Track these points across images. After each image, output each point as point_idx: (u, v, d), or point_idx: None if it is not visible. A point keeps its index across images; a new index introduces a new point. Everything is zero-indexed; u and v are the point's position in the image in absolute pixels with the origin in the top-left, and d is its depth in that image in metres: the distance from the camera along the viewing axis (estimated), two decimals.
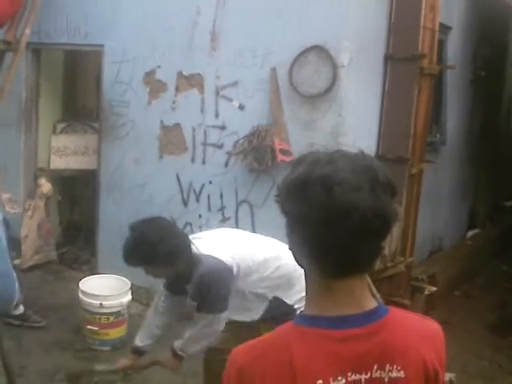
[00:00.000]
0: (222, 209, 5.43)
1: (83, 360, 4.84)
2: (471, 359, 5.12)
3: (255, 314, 3.44)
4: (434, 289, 5.41)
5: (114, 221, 6.03)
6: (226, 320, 3.37)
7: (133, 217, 5.76)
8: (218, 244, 3.40)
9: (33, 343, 5.01)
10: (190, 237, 3.44)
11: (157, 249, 3.17)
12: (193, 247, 3.34)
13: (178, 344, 3.49)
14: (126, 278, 5.23)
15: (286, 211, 1.46)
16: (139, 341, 3.74)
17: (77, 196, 6.60)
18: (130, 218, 5.79)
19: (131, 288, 5.20)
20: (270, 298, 3.40)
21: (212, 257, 3.28)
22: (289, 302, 3.36)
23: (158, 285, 5.59)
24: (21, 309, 5.34)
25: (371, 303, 1.50)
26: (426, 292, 5.34)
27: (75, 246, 6.82)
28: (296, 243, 1.48)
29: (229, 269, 3.28)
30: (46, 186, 6.28)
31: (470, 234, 7.97)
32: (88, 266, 6.44)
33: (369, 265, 1.48)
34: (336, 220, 1.36)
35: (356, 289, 1.47)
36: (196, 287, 3.34)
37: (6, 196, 5.26)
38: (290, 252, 1.54)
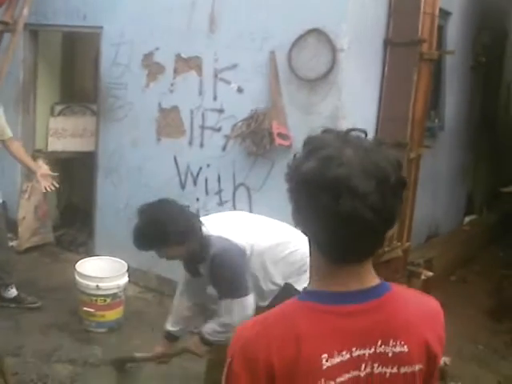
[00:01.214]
0: (219, 192, 5.43)
1: (79, 341, 4.87)
2: (466, 343, 5.14)
3: (264, 300, 3.39)
4: (431, 274, 5.42)
5: (112, 203, 6.04)
6: (253, 306, 3.28)
7: (130, 199, 5.82)
8: (229, 226, 3.37)
9: (29, 324, 5.03)
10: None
11: (167, 229, 3.16)
12: (203, 228, 3.31)
13: (205, 329, 3.45)
14: (122, 260, 5.25)
15: (292, 196, 1.47)
16: (170, 326, 3.72)
17: (74, 178, 6.59)
18: (128, 200, 5.85)
19: (128, 270, 5.20)
20: (281, 285, 3.36)
21: (223, 238, 3.25)
22: (300, 289, 3.24)
23: (155, 267, 5.66)
24: (13, 292, 5.35)
25: (374, 280, 1.52)
26: (423, 277, 5.35)
27: (72, 228, 6.83)
28: (300, 225, 1.49)
29: (241, 250, 3.25)
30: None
31: (467, 219, 7.99)
32: (85, 248, 6.45)
33: (371, 254, 1.50)
34: (340, 225, 1.38)
35: (359, 269, 1.49)
36: (210, 271, 3.31)
37: (43, 171, 5.19)
38: (301, 238, 1.55)
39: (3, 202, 5.32)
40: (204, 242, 3.28)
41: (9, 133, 5.26)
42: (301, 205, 1.45)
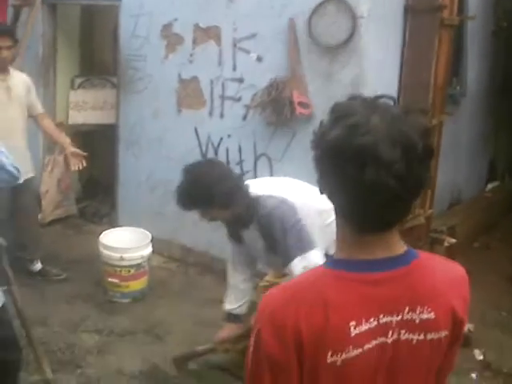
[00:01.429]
0: (240, 162, 5.43)
1: (105, 312, 4.94)
2: (489, 310, 5.13)
3: None
4: (454, 241, 5.41)
5: (134, 174, 6.07)
6: (320, 260, 3.05)
7: (151, 170, 5.85)
8: (276, 188, 3.31)
9: (55, 295, 5.10)
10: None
11: (212, 190, 3.13)
12: (250, 190, 3.27)
13: None
14: (146, 230, 5.29)
15: (317, 164, 1.47)
16: (229, 305, 3.72)
17: (96, 151, 6.61)
18: (149, 171, 5.88)
19: (152, 240, 5.23)
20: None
21: (273, 196, 3.21)
22: None
23: (179, 237, 5.70)
24: (39, 266, 5.43)
25: (401, 248, 1.52)
26: (446, 244, 5.34)
27: (95, 200, 6.88)
28: (326, 193, 1.49)
29: (293, 207, 3.18)
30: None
31: (489, 186, 7.93)
32: (108, 220, 6.50)
33: (398, 223, 1.49)
34: (365, 194, 1.38)
35: (386, 237, 1.49)
36: (263, 232, 3.25)
37: (73, 150, 5.23)
38: None
39: (32, 177, 5.37)
40: (252, 203, 3.23)
41: (40, 108, 5.30)
42: (326, 173, 1.45)
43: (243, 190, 3.26)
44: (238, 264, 3.66)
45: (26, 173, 5.07)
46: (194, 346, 4.36)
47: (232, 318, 3.68)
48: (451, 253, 5.28)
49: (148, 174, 5.96)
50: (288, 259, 3.19)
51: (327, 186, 1.47)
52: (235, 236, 3.49)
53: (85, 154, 5.19)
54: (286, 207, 3.18)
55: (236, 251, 3.61)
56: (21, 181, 3.07)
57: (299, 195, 3.30)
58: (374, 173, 1.34)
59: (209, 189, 3.13)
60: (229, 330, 3.72)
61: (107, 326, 4.72)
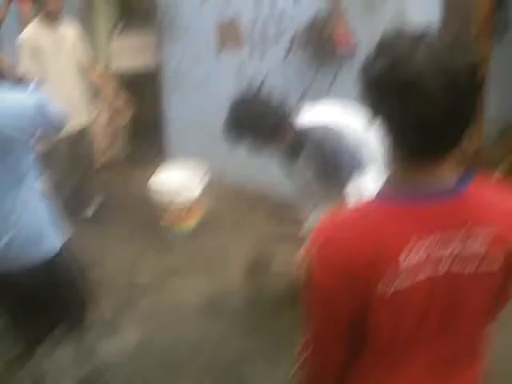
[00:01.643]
0: (282, 104, 5.41)
1: (159, 251, 5.08)
2: None
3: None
4: (503, 173, 5.36)
5: (179, 117, 6.14)
6: (373, 186, 2.95)
7: (196, 112, 5.93)
8: (321, 117, 3.26)
9: (109, 237, 5.24)
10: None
11: (260, 120, 3.12)
12: (298, 120, 3.26)
13: None
14: (196, 170, 5.38)
15: (363, 98, 1.47)
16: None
17: (140, 95, 6.67)
18: (194, 113, 5.96)
19: (201, 180, 5.33)
20: None
21: (319, 126, 3.18)
22: None
23: (228, 176, 5.75)
24: (92, 209, 5.63)
25: (453, 178, 1.51)
26: (495, 176, 5.30)
27: (144, 142, 6.95)
28: (373, 123, 1.49)
29: (341, 136, 3.14)
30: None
31: None
32: (157, 162, 6.56)
33: (447, 154, 1.48)
34: (410, 126, 1.39)
35: (437, 167, 1.48)
36: (317, 164, 3.24)
37: (120, 105, 5.40)
38: None
39: (87, 126, 5.48)
40: (300, 134, 3.22)
41: (87, 60, 5.38)
42: (372, 106, 1.45)
43: (290, 122, 3.24)
44: (300, 196, 3.68)
45: (80, 123, 5.21)
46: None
47: None
48: (501, 185, 5.27)
49: (193, 116, 6.03)
50: (341, 187, 3.19)
51: (374, 118, 1.47)
52: (288, 168, 3.50)
53: (129, 99, 5.24)
54: (334, 136, 3.16)
55: (293, 182, 3.63)
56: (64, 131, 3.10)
57: (348, 122, 3.25)
58: (418, 105, 1.34)
59: (255, 122, 3.13)
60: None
61: (163, 264, 4.86)
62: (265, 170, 5.04)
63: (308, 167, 3.35)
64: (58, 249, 2.82)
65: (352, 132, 3.20)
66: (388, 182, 1.55)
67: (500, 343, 2.32)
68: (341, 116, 3.31)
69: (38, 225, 2.74)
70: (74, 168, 5.39)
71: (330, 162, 3.20)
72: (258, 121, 3.14)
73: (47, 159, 4.30)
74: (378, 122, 1.46)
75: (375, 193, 1.56)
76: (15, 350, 3.22)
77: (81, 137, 5.22)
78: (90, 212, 5.60)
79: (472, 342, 1.67)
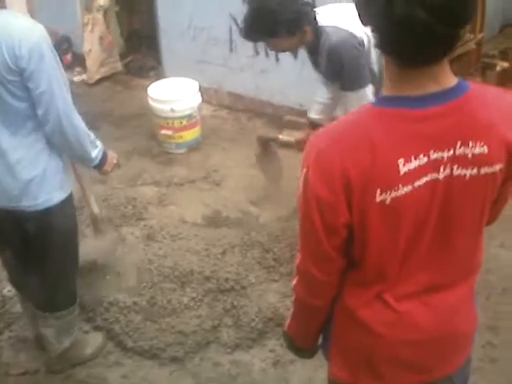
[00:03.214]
0: None
1: (161, 164, 5.05)
2: None
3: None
4: (506, 64, 5.25)
5: (175, 24, 5.94)
6: (369, 98, 3.09)
7: (192, 18, 5.73)
8: (344, 17, 3.13)
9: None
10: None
11: (279, 17, 3.02)
12: (317, 18, 3.14)
13: None
14: (193, 80, 5.27)
15: (353, 2, 1.45)
16: (313, 114, 3.71)
17: (134, 4, 6.48)
18: (190, 19, 5.76)
19: (200, 89, 5.22)
20: None
21: (338, 28, 3.08)
22: None
23: (226, 84, 5.67)
24: None
25: (451, 81, 1.47)
26: (498, 68, 5.19)
27: (139, 54, 6.81)
28: (366, 28, 1.46)
29: (358, 40, 3.07)
30: None
31: None
32: (154, 73, 6.46)
33: (442, 56, 1.42)
34: (398, 29, 1.34)
35: (434, 71, 1.43)
36: (326, 63, 3.17)
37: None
38: None
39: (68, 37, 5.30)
40: (318, 32, 3.12)
41: None
42: (361, 11, 1.42)
43: (311, 18, 3.13)
44: (324, 83, 3.59)
45: None
46: (252, 189, 4.48)
47: (314, 125, 3.68)
48: (503, 77, 5.16)
49: (189, 22, 5.84)
50: (343, 92, 3.18)
51: (364, 22, 1.44)
52: (311, 60, 3.42)
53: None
54: (352, 40, 3.07)
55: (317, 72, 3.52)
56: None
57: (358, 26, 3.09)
58: (403, 5, 1.29)
59: (275, 15, 3.02)
60: (306, 134, 3.74)
61: (165, 177, 4.83)
62: (263, 76, 4.93)
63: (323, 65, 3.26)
64: (62, 198, 2.77)
65: (365, 37, 3.10)
66: (385, 88, 1.51)
67: None
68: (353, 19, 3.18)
69: (40, 171, 2.66)
70: None
71: (338, 66, 3.13)
72: (273, 14, 3.02)
73: None
74: (369, 27, 1.42)
75: (372, 100, 1.54)
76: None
77: None
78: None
79: (467, 254, 1.67)
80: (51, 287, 2.97)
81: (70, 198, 2.82)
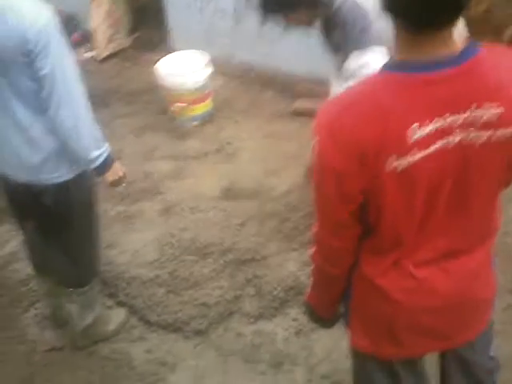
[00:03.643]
0: None
1: (175, 138, 5.03)
2: None
3: None
4: None
5: None
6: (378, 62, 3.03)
7: None
8: None
9: (123, 130, 5.14)
10: None
11: None
12: None
13: None
14: (203, 51, 5.23)
15: None
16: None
17: None
18: None
19: (210, 61, 5.18)
20: None
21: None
22: None
23: (236, 54, 5.63)
24: None
25: (462, 44, 1.46)
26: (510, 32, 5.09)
27: (147, 28, 6.76)
28: None
29: (365, 10, 2.93)
30: None
31: None
32: (163, 46, 6.40)
33: (454, 18, 1.41)
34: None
35: (445, 35, 1.42)
36: (332, 27, 3.08)
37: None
38: None
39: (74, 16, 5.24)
40: (336, 6, 2.99)
41: None
42: None
43: None
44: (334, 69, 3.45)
45: None
46: (266, 160, 4.47)
47: None
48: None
49: None
50: (345, 55, 3.04)
51: None
52: (329, 44, 3.28)
53: None
54: (357, 9, 2.95)
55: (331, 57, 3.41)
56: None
57: None
58: None
59: None
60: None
61: (180, 150, 4.83)
62: (274, 44, 4.88)
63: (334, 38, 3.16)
64: (79, 171, 2.76)
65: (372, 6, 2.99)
66: (394, 53, 1.50)
67: None
68: None
69: (58, 144, 2.64)
70: None
71: (339, 28, 3.02)
72: None
73: None
74: None
75: (382, 65, 1.52)
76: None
77: None
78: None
79: (484, 218, 1.67)
80: (73, 262, 2.99)
81: (87, 172, 2.78)
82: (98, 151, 2.65)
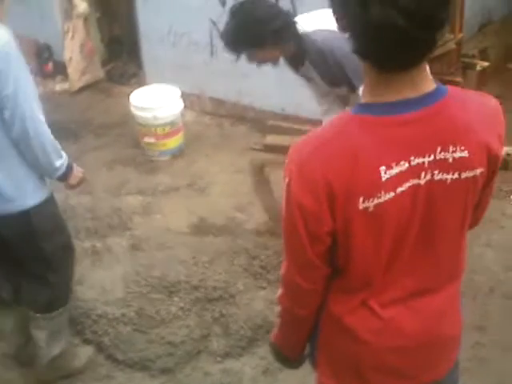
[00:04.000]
0: None
1: (145, 172, 5.01)
2: None
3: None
4: (486, 64, 5.27)
5: (155, 30, 5.91)
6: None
7: (172, 23, 5.71)
8: (322, 21, 3.10)
9: (94, 162, 5.09)
10: None
11: (265, 27, 3.01)
12: (298, 27, 3.13)
13: None
14: (175, 86, 5.24)
15: (330, 6, 1.46)
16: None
17: (113, 10, 6.44)
18: (170, 24, 5.74)
19: (182, 96, 5.20)
20: None
21: (321, 29, 3.06)
22: None
23: (208, 90, 5.65)
24: None
25: (430, 86, 1.47)
26: (478, 68, 5.20)
27: (120, 60, 6.76)
28: (344, 33, 1.45)
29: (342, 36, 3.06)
30: (81, 5, 6.12)
31: None
32: (136, 80, 6.41)
33: (420, 61, 1.42)
34: (374, 34, 1.34)
35: (412, 76, 1.43)
36: (323, 68, 3.15)
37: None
38: None
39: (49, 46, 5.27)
40: (302, 39, 3.11)
41: None
42: (337, 15, 1.43)
43: (293, 27, 3.13)
44: (315, 97, 3.60)
45: None
46: (237, 195, 4.46)
47: None
48: (484, 77, 5.18)
49: (169, 28, 5.81)
50: (352, 88, 3.11)
51: (341, 27, 1.43)
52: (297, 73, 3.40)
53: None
54: (335, 34, 3.05)
55: (308, 86, 3.52)
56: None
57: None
58: (378, 10, 1.29)
59: (259, 27, 3.01)
60: None
61: (150, 185, 4.80)
62: (245, 80, 4.91)
63: (313, 71, 3.26)
64: (39, 201, 2.79)
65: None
66: (364, 94, 1.51)
67: None
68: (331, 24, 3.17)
69: (17, 176, 2.69)
70: None
71: (333, 67, 3.11)
72: (261, 25, 3.02)
73: None
74: (347, 32, 1.41)
75: (351, 108, 1.53)
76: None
77: None
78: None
79: (451, 257, 1.68)
80: (43, 284, 2.98)
81: (48, 200, 2.84)
82: (60, 160, 2.77)
